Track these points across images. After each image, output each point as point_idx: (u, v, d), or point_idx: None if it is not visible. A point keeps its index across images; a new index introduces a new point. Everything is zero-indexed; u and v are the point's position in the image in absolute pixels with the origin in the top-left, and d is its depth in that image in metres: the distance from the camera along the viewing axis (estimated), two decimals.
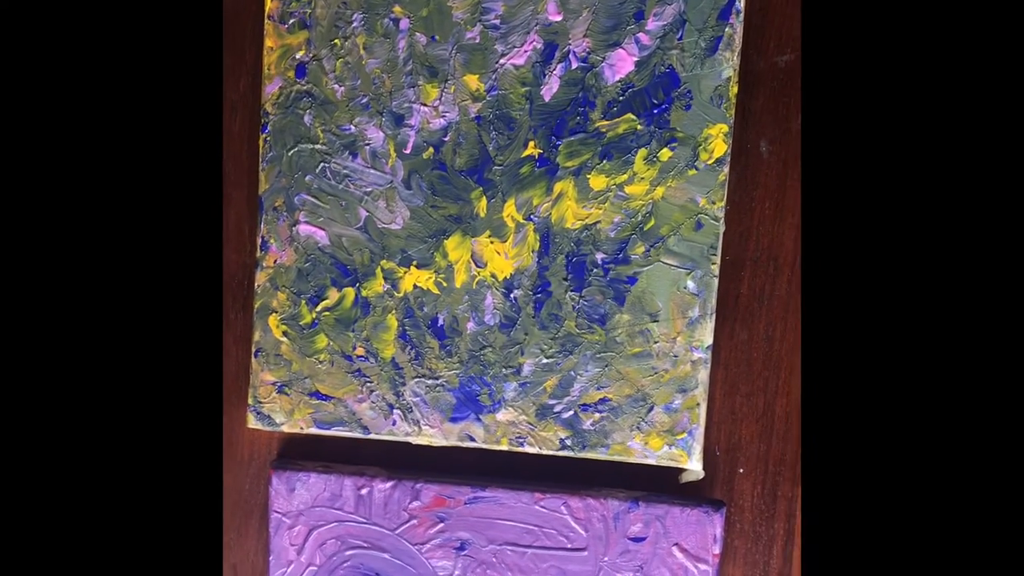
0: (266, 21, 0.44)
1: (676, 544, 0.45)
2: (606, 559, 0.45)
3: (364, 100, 0.44)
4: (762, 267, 0.45)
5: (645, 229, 0.44)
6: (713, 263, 0.44)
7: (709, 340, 0.44)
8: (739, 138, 0.45)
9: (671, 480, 0.46)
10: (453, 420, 0.45)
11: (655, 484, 0.46)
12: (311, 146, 0.45)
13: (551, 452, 0.45)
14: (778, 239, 0.45)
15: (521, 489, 0.46)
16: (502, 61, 0.43)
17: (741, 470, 0.46)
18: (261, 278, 0.46)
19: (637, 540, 0.45)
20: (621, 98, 0.43)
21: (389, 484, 0.46)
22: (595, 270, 0.44)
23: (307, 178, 0.45)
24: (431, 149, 0.44)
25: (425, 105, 0.44)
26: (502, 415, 0.45)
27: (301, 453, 0.48)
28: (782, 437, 0.46)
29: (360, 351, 0.45)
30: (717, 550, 0.44)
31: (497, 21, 0.43)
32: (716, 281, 0.44)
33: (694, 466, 0.44)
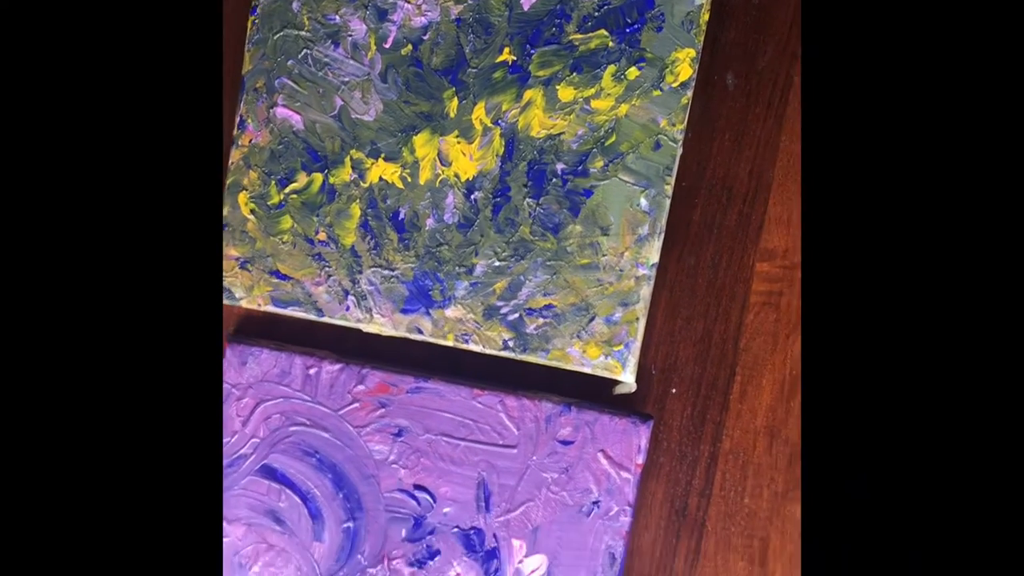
0: None
1: (602, 450, 0.47)
2: (534, 458, 0.47)
3: None
4: (716, 196, 0.47)
5: (606, 144, 0.45)
6: (667, 184, 0.45)
7: (655, 258, 0.46)
8: (707, 68, 0.46)
9: (605, 393, 0.48)
10: (404, 311, 0.47)
11: (589, 392, 0.48)
12: (296, 32, 0.46)
13: (494, 352, 0.47)
14: (733, 171, 0.47)
15: (461, 384, 0.47)
16: None
17: (674, 390, 0.48)
18: (235, 156, 0.47)
19: (565, 443, 0.47)
20: (596, 14, 0.45)
21: (337, 367, 0.48)
22: (554, 180, 0.46)
23: (289, 63, 0.47)
24: (410, 46, 0.46)
25: (409, 3, 0.46)
26: (451, 311, 0.47)
27: (256, 331, 0.50)
28: (717, 363, 0.48)
29: (322, 236, 0.47)
30: (640, 460, 0.46)
31: None
32: (668, 202, 0.45)
33: (627, 378, 0.46)
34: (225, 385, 0.48)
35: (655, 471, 0.49)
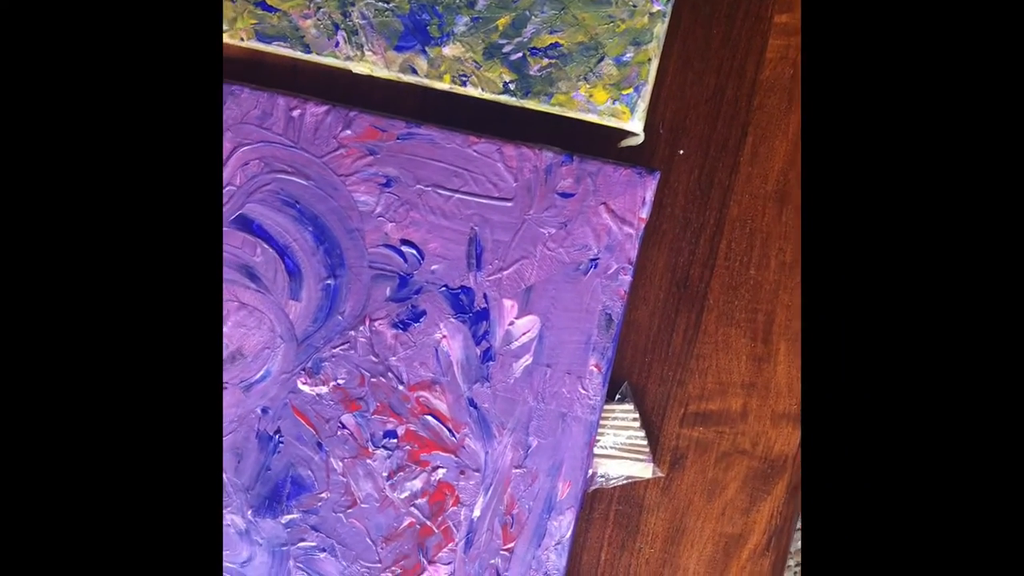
0: None
1: (604, 203, 0.44)
2: (531, 212, 0.44)
3: None
4: None
5: None
6: None
7: None
8: None
9: (610, 146, 0.45)
10: (398, 48, 0.44)
11: (593, 148, 0.45)
12: None
13: (493, 96, 0.44)
14: None
15: (457, 131, 0.44)
16: None
17: (681, 151, 0.45)
18: None
19: (565, 196, 0.44)
20: None
21: (323, 109, 0.45)
22: None
23: None
24: None
25: None
26: (449, 49, 0.44)
27: (237, 73, 0.47)
28: (728, 121, 0.45)
29: None
30: (644, 214, 0.44)
31: None
32: None
33: (635, 127, 0.43)
34: None
35: (657, 239, 0.46)
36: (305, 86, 0.46)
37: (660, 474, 0.46)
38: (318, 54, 0.44)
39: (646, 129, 0.45)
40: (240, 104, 0.45)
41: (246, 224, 0.45)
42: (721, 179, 0.45)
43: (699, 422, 0.46)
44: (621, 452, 0.46)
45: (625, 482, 0.46)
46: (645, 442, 0.46)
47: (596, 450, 0.46)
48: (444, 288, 0.45)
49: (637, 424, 0.46)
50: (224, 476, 0.46)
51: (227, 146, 0.45)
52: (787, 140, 0.45)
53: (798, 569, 0.80)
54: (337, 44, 0.44)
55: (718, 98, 0.45)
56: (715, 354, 0.46)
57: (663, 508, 0.46)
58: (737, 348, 0.46)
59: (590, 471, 0.46)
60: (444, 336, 0.45)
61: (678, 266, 0.46)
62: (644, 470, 0.46)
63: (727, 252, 0.45)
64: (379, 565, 0.46)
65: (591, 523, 0.46)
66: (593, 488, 0.46)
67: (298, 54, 0.44)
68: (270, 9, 0.44)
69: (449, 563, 0.45)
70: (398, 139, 0.44)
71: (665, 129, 0.45)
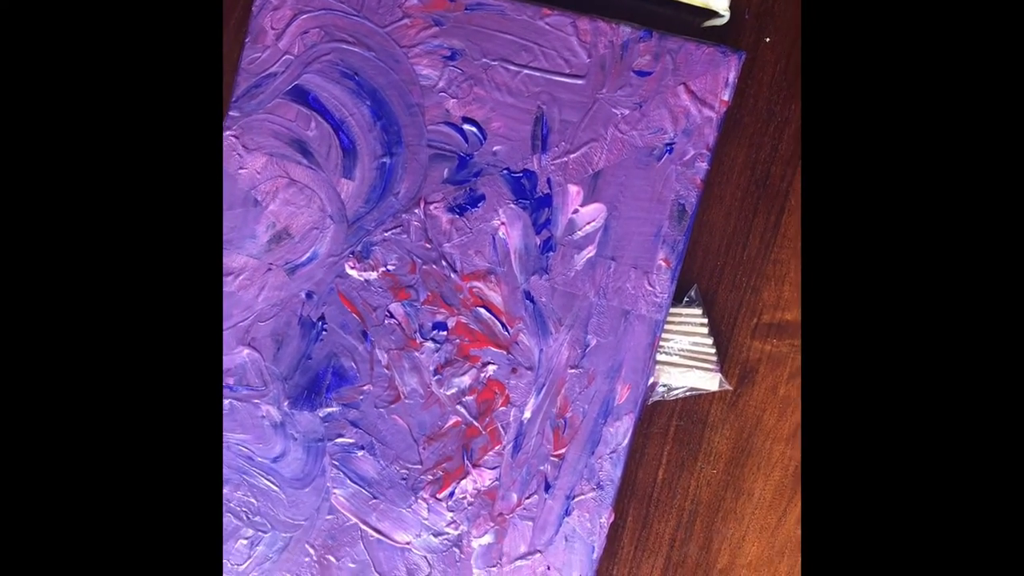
0: None
1: (683, 83, 0.41)
2: (604, 91, 0.41)
3: None
4: None
5: None
6: None
7: None
8: None
9: (693, 28, 0.42)
10: None
11: (675, 29, 0.42)
12: None
13: None
14: None
15: (528, 2, 0.42)
16: None
17: (768, 39, 0.42)
18: None
19: (642, 74, 0.41)
20: None
21: None
22: None
23: None
24: None
25: None
26: None
27: None
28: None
29: None
30: (727, 96, 0.40)
31: None
32: None
33: (720, 4, 0.40)
34: None
35: (736, 133, 0.43)
36: None
37: (727, 387, 0.42)
38: None
39: (732, 12, 0.42)
40: None
41: (302, 95, 0.43)
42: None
43: (772, 334, 0.42)
44: (686, 360, 0.42)
45: (688, 394, 0.42)
46: (713, 351, 0.42)
47: (659, 356, 0.42)
48: (506, 171, 0.42)
49: (705, 330, 0.42)
50: (261, 363, 0.43)
51: (287, 12, 0.43)
52: None
53: None
54: None
55: None
56: (793, 260, 0.42)
57: (728, 426, 0.43)
58: None
59: (651, 379, 0.43)
60: (502, 223, 0.42)
61: (758, 162, 0.42)
62: (710, 381, 0.42)
63: None
64: (419, 467, 0.43)
65: (649, 438, 0.43)
66: (653, 400, 0.43)
67: None
68: None
69: (495, 467, 0.42)
70: (466, 9, 0.42)
71: (751, 15, 0.42)
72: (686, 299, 0.43)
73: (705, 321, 0.42)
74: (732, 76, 0.40)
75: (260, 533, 0.43)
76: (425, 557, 0.43)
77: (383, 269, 0.43)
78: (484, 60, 0.42)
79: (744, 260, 0.43)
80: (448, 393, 0.42)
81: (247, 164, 0.43)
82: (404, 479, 0.43)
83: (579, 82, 0.41)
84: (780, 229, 0.42)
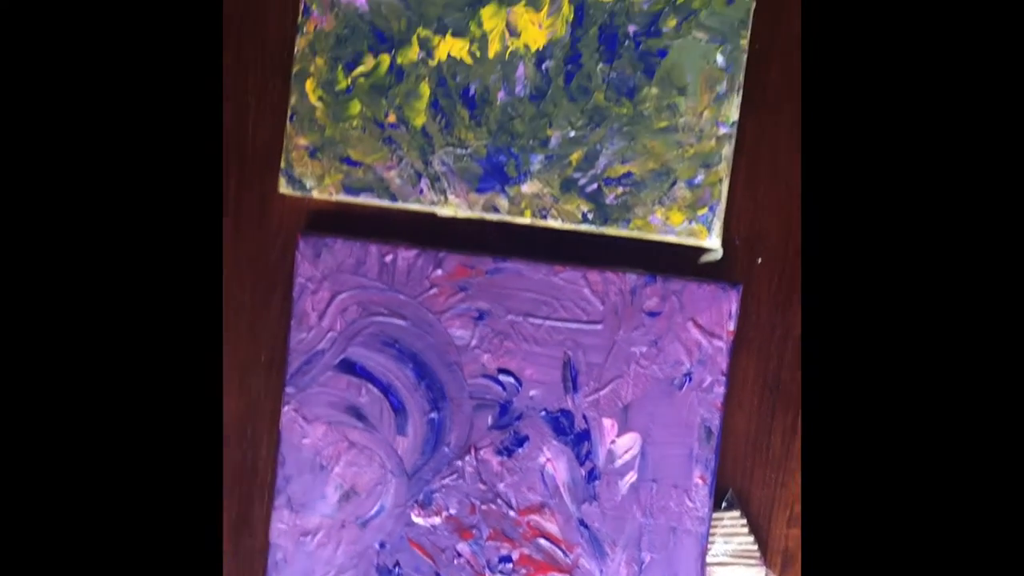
0: None
1: (691, 319, 0.45)
2: (621, 333, 0.46)
3: None
4: (790, 56, 0.46)
5: (678, 3, 0.44)
6: (743, 38, 0.44)
7: (735, 116, 0.44)
8: None
9: (690, 262, 0.47)
10: (479, 190, 0.46)
11: (673, 266, 0.47)
12: None
13: (573, 226, 0.46)
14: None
15: (541, 262, 0.46)
16: None
17: (760, 260, 0.47)
18: (301, 43, 0.47)
19: (652, 315, 0.46)
20: None
21: (413, 252, 0.47)
22: (627, 42, 0.45)
23: None
24: None
25: None
26: (527, 187, 0.46)
27: (328, 226, 0.49)
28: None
29: (392, 118, 0.47)
30: (732, 327, 0.45)
31: None
32: (745, 57, 0.44)
33: (713, 243, 0.45)
34: (299, 279, 0.47)
35: (745, 345, 0.47)
36: (394, 231, 0.49)
37: None
38: (404, 201, 0.47)
39: (723, 245, 0.46)
40: (335, 255, 0.47)
41: (350, 366, 0.47)
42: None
43: None
44: (733, 559, 0.46)
45: None
46: (755, 547, 0.46)
47: (708, 559, 0.46)
48: (544, 412, 0.46)
49: (746, 530, 0.46)
50: None
51: (325, 295, 0.47)
52: None
53: None
54: (421, 191, 0.47)
55: (788, 206, 0.46)
56: None
57: None
58: None
59: None
60: (548, 459, 0.46)
61: (769, 370, 0.47)
62: (758, 574, 0.46)
63: None
64: None
65: None
66: None
67: (385, 203, 0.47)
68: (355, 164, 0.47)
69: None
70: (487, 274, 0.47)
71: (741, 240, 0.47)
72: (724, 503, 0.47)
73: (744, 522, 0.46)
74: (734, 308, 0.45)
75: None
76: None
77: (446, 513, 0.47)
78: (510, 317, 0.46)
79: (770, 459, 0.47)
80: None
81: (309, 434, 0.48)
82: None
83: (598, 327, 0.46)
84: (798, 427, 0.47)
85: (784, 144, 0.46)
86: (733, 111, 0.44)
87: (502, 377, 0.47)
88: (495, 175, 0.46)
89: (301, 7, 0.47)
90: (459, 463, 0.47)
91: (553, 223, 0.46)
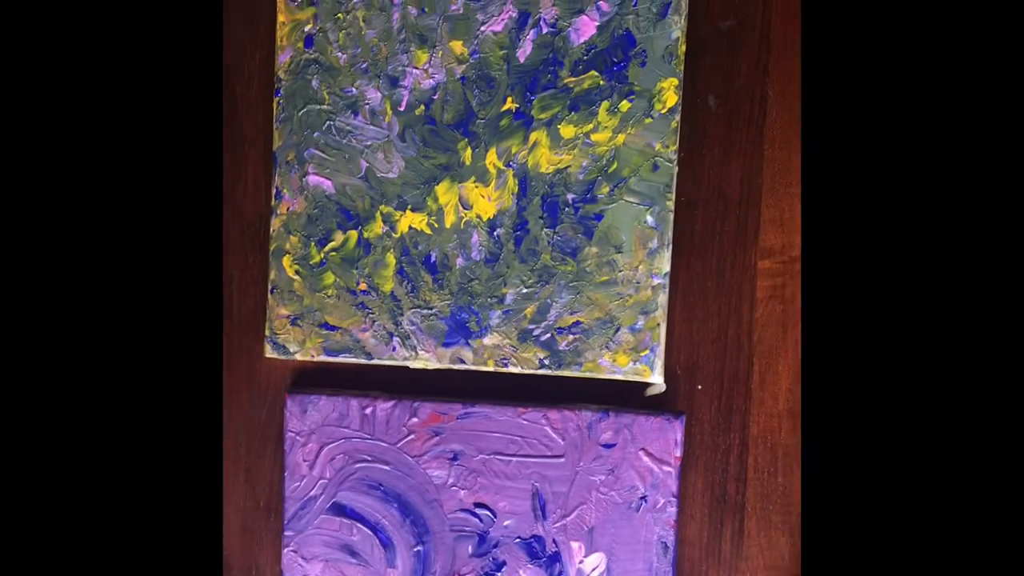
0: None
1: (643, 449, 0.51)
2: (581, 464, 0.51)
3: (364, 66, 0.51)
4: (713, 206, 0.52)
5: (609, 171, 0.50)
6: (669, 199, 0.50)
7: (667, 268, 0.50)
8: (690, 93, 0.52)
9: (637, 395, 0.53)
10: (446, 345, 0.52)
11: (623, 399, 0.53)
12: (318, 107, 0.52)
13: (531, 371, 0.51)
14: (726, 181, 0.52)
15: (506, 405, 0.52)
16: (483, 28, 0.50)
17: (700, 387, 0.53)
18: (276, 224, 0.52)
19: (608, 446, 0.51)
20: (586, 58, 0.50)
21: (390, 404, 0.52)
22: (567, 209, 0.51)
23: (315, 135, 0.52)
24: (422, 107, 0.51)
25: (416, 68, 0.51)
26: (488, 339, 0.52)
27: (312, 382, 0.55)
28: (735, 356, 0.52)
29: (363, 286, 0.52)
30: (678, 453, 0.51)
31: None
32: (672, 216, 0.50)
33: (656, 380, 0.51)
34: (289, 433, 0.53)
35: (692, 463, 0.53)
36: (372, 382, 0.54)
37: None
38: (379, 359, 0.52)
39: (666, 371, 0.52)
40: (320, 410, 0.53)
41: (340, 509, 0.52)
42: (738, 405, 0.52)
43: None
44: None
45: None
46: None
47: None
48: (518, 539, 0.52)
49: None
50: None
51: (314, 447, 0.53)
52: (788, 364, 0.52)
53: None
54: (394, 348, 0.52)
55: (723, 338, 0.52)
56: (760, 554, 0.52)
57: None
58: (780, 546, 0.52)
59: None
60: None
61: (715, 484, 0.53)
62: None
63: (755, 466, 0.52)
64: None
65: None
66: None
67: (362, 361, 0.52)
68: (333, 328, 0.52)
69: None
70: (458, 419, 0.52)
71: (682, 370, 0.53)
72: None
73: None
74: (679, 436, 0.51)
75: None
76: None
77: None
78: (481, 456, 0.52)
79: (722, 562, 0.52)
80: None
81: (309, 572, 0.53)
82: None
83: (560, 460, 0.51)
84: (744, 532, 0.52)
85: (712, 283, 0.52)
86: (665, 263, 0.50)
87: (478, 510, 0.52)
88: (459, 331, 0.52)
89: (273, 192, 0.52)
90: None
91: (514, 369, 0.51)
